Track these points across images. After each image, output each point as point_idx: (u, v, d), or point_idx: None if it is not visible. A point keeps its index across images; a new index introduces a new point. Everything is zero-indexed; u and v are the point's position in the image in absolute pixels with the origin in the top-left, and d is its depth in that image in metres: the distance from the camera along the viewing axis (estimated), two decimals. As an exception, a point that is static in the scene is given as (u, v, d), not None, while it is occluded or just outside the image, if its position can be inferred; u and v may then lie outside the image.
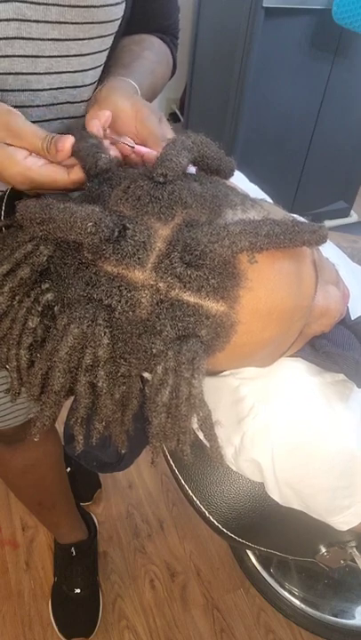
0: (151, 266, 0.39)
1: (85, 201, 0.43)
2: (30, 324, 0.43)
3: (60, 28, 0.54)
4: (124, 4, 0.59)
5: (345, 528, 0.57)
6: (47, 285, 0.43)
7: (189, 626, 1.21)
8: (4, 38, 0.52)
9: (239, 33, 1.73)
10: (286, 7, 1.67)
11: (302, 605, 1.09)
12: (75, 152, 0.46)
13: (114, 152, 0.49)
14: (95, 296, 0.40)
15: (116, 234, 0.38)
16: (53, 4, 0.52)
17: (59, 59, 0.57)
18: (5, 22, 0.51)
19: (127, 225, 0.39)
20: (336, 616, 1.08)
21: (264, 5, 1.62)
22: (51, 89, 0.59)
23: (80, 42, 0.57)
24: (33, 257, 0.42)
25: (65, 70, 0.58)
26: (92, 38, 0.58)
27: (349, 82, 1.97)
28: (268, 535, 0.69)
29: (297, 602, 1.09)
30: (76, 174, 0.46)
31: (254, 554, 1.14)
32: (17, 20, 0.52)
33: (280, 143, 2.03)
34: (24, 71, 0.56)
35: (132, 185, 0.41)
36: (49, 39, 0.54)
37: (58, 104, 0.61)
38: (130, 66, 0.62)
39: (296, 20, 1.73)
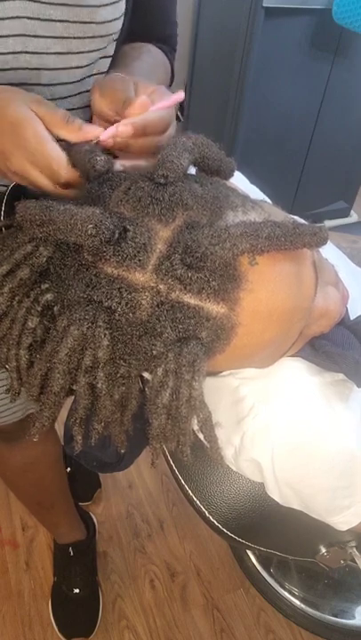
0: (152, 268, 0.39)
1: (86, 202, 0.43)
2: (30, 324, 0.43)
3: (62, 43, 0.56)
4: (122, 19, 0.60)
5: (345, 528, 0.57)
6: (47, 286, 0.43)
7: (189, 626, 1.21)
8: (12, 53, 0.54)
9: (239, 33, 1.73)
10: (286, 7, 1.67)
11: (302, 605, 1.09)
12: (73, 161, 0.45)
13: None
14: (95, 298, 0.40)
15: (117, 235, 0.38)
16: (59, 20, 0.54)
17: (60, 71, 0.58)
18: (13, 38, 0.53)
19: (128, 227, 0.39)
20: (336, 616, 1.08)
21: (264, 5, 1.62)
22: (52, 99, 0.60)
23: (81, 54, 0.58)
24: (32, 258, 0.42)
25: (66, 81, 0.60)
26: (92, 51, 0.59)
27: (349, 82, 1.97)
28: (268, 535, 0.69)
29: (297, 602, 1.09)
30: (74, 173, 0.45)
31: (254, 554, 1.14)
32: (24, 35, 0.54)
33: (280, 143, 2.03)
34: (28, 82, 0.57)
35: (132, 186, 0.41)
36: (52, 53, 0.56)
37: None
38: (129, 66, 0.63)
39: (296, 19, 1.73)
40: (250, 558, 1.14)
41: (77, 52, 0.58)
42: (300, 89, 1.90)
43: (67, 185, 0.46)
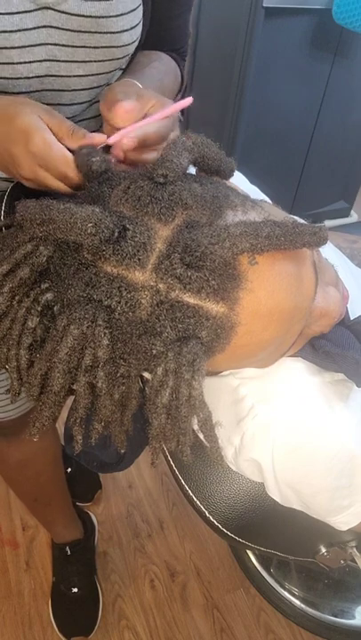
0: (151, 267, 0.39)
1: (85, 201, 0.43)
2: (30, 323, 0.43)
3: (84, 66, 0.59)
4: (138, 39, 0.63)
5: (345, 528, 0.57)
6: (47, 285, 0.43)
7: (189, 626, 1.21)
8: (37, 77, 0.57)
9: (239, 33, 1.73)
10: (286, 7, 1.67)
11: (302, 605, 1.08)
12: (76, 164, 0.46)
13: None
14: (95, 297, 0.40)
15: (117, 234, 0.38)
16: (81, 47, 0.56)
17: (82, 91, 0.61)
18: (38, 63, 0.56)
19: (127, 226, 0.39)
20: (336, 616, 1.08)
21: (264, 5, 1.62)
22: (71, 117, 0.63)
23: (100, 75, 0.61)
24: (33, 257, 0.42)
25: (86, 101, 0.63)
26: (110, 72, 0.62)
27: (349, 82, 1.96)
28: (268, 535, 0.69)
29: (297, 602, 1.09)
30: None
31: (254, 554, 1.14)
32: (49, 60, 0.56)
33: (280, 143, 2.03)
34: (51, 102, 0.60)
35: (132, 185, 0.41)
36: (75, 76, 0.59)
37: None
38: (138, 72, 0.64)
39: (296, 19, 1.73)
40: (250, 558, 1.14)
41: (97, 74, 0.61)
42: (300, 89, 1.90)
43: (79, 187, 0.47)
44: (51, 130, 0.47)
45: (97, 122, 0.69)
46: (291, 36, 1.76)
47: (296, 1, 1.67)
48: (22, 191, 0.54)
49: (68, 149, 0.47)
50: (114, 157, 0.48)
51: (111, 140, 0.47)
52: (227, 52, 1.82)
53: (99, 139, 0.47)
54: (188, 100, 0.52)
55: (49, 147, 0.45)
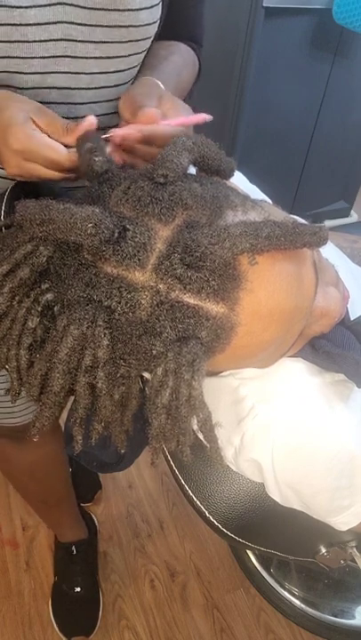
0: (151, 267, 0.39)
1: (85, 202, 0.43)
2: (30, 324, 0.43)
3: (102, 48, 0.57)
4: (158, 22, 0.62)
5: (345, 528, 0.57)
6: (47, 285, 0.43)
7: (189, 626, 1.21)
8: (52, 57, 0.55)
9: (239, 33, 1.73)
10: (286, 7, 1.66)
11: (302, 605, 1.09)
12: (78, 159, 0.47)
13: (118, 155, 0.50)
14: (95, 297, 0.40)
15: (117, 235, 0.38)
16: (98, 25, 0.55)
17: (99, 75, 0.60)
18: (54, 42, 0.55)
19: (127, 226, 0.39)
20: (336, 616, 1.08)
21: (264, 5, 1.62)
22: (90, 102, 0.62)
23: (119, 59, 0.60)
24: (33, 257, 0.42)
25: (104, 85, 0.62)
26: (130, 55, 0.61)
27: (349, 82, 1.96)
28: (268, 535, 0.69)
29: (297, 602, 1.09)
30: (75, 155, 0.47)
31: (254, 554, 1.14)
32: (65, 40, 0.55)
33: (280, 143, 2.03)
34: (67, 86, 0.59)
35: (132, 186, 0.41)
36: (92, 57, 0.58)
37: (96, 116, 0.63)
38: (156, 68, 0.64)
39: (296, 19, 1.73)
40: (250, 558, 1.14)
41: (116, 57, 0.59)
42: (300, 89, 1.90)
43: (73, 170, 0.47)
44: (42, 129, 0.47)
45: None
46: (291, 36, 1.76)
47: (296, 1, 1.67)
48: (22, 191, 0.54)
49: (68, 146, 0.47)
50: (115, 147, 0.49)
51: (120, 132, 0.48)
52: (227, 52, 1.82)
53: (85, 124, 0.47)
54: (205, 117, 0.53)
55: (30, 138, 0.46)
